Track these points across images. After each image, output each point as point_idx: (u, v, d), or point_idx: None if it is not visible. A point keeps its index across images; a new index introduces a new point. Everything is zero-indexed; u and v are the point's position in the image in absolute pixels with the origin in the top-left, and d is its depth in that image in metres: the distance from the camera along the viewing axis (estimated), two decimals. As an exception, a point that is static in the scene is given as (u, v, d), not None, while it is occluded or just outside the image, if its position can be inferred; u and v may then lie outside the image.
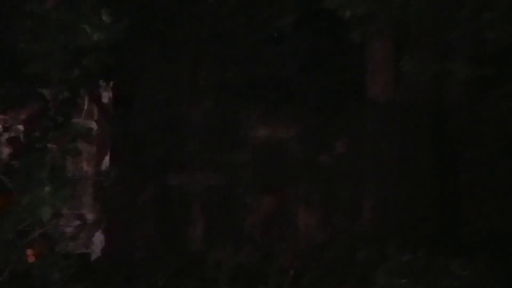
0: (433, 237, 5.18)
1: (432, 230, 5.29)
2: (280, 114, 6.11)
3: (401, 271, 4.58)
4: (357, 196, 5.74)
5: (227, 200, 6.06)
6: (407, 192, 5.48)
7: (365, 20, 3.92)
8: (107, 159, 5.91)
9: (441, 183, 5.42)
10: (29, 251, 4.24)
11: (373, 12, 3.82)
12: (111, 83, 5.73)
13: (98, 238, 5.91)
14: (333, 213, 5.82)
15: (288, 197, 5.97)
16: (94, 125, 5.77)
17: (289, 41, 5.92)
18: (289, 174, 5.98)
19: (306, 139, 5.99)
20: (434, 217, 5.37)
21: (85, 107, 5.55)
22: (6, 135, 5.07)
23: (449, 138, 5.44)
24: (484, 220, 5.13)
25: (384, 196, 5.61)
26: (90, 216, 5.91)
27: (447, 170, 5.40)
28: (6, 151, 4.97)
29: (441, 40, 4.51)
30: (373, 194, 5.64)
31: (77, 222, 5.77)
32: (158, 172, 6.02)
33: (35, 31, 4.03)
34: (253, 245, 5.97)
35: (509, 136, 5.08)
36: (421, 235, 5.20)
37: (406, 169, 5.53)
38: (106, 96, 5.77)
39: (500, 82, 3.94)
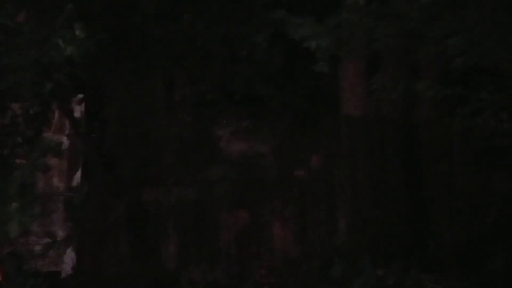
0: (406, 251, 5.21)
1: (404, 244, 5.33)
2: (255, 129, 6.12)
3: (376, 286, 4.59)
4: (332, 211, 5.75)
5: (202, 216, 6.00)
6: (380, 207, 5.53)
7: (331, 51, 4.00)
8: (78, 174, 5.80)
9: (412, 198, 5.50)
10: (-3, 270, 4.10)
11: (339, 42, 3.90)
12: (84, 97, 5.65)
13: (69, 256, 5.77)
14: (308, 228, 5.81)
15: (263, 213, 5.95)
16: (65, 140, 5.67)
17: (264, 58, 5.97)
18: (264, 189, 5.97)
19: (281, 154, 6.00)
20: (406, 231, 5.41)
21: (57, 122, 5.46)
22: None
23: (419, 153, 5.54)
24: (452, 234, 5.21)
25: (358, 210, 5.64)
26: (61, 233, 5.77)
27: (417, 185, 5.48)
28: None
29: (409, 60, 4.62)
30: (347, 208, 5.67)
31: (47, 240, 5.63)
32: (131, 188, 5.93)
33: (6, 45, 3.97)
34: (228, 261, 5.91)
35: (475, 151, 5.20)
36: (394, 249, 5.22)
37: (378, 185, 5.58)
38: (78, 111, 5.68)
39: (466, 101, 4.07)
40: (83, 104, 5.72)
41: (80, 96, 5.58)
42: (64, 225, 5.79)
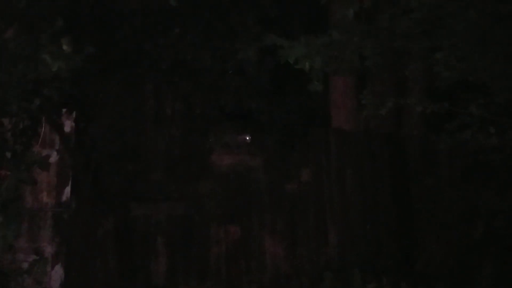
0: (396, 266, 5.22)
1: (394, 259, 5.35)
2: (244, 143, 6.12)
3: (366, 300, 4.58)
4: (322, 225, 5.75)
5: (191, 231, 5.96)
6: (369, 221, 5.55)
7: (324, 70, 4.04)
8: (67, 189, 5.75)
9: (401, 212, 5.53)
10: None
11: (331, 61, 3.95)
12: (73, 112, 5.63)
13: (57, 273, 5.69)
14: (299, 243, 5.80)
15: (253, 227, 5.92)
16: (55, 155, 5.63)
17: (254, 72, 6.01)
18: (254, 203, 5.96)
19: (271, 168, 6.01)
20: (395, 245, 5.43)
21: (46, 137, 5.41)
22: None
23: (407, 168, 5.59)
24: (441, 248, 5.24)
25: (348, 225, 5.65)
26: (49, 250, 5.69)
27: (406, 199, 5.52)
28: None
29: (397, 76, 4.69)
30: (337, 223, 5.68)
31: (34, 256, 5.55)
32: (120, 203, 5.89)
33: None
34: (218, 277, 5.87)
35: (462, 166, 5.26)
36: (384, 264, 5.23)
37: (368, 199, 5.61)
38: (68, 125, 5.65)
39: (454, 116, 4.13)
40: (73, 119, 5.69)
41: (70, 110, 5.55)
42: (52, 241, 5.71)
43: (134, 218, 5.92)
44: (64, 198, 5.73)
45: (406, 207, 5.55)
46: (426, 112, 4.12)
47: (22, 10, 3.88)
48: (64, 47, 3.72)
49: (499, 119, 3.98)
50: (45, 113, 4.72)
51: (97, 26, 5.27)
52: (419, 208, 5.48)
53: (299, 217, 5.87)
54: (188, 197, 5.95)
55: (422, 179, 5.50)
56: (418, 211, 5.49)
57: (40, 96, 4.14)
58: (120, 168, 5.88)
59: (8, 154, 4.53)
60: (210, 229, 5.94)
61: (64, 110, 5.37)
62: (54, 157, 5.60)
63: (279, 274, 5.78)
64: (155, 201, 5.94)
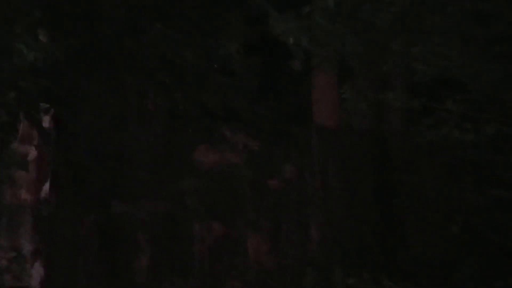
0: (377, 261, 5.25)
1: (375, 254, 5.37)
2: (228, 140, 6.11)
3: (346, 295, 4.60)
4: (305, 221, 5.76)
5: (174, 229, 5.93)
6: (352, 217, 5.57)
7: (307, 51, 4.06)
8: (47, 186, 5.68)
9: (382, 208, 5.55)
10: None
11: (315, 43, 3.96)
12: (52, 107, 5.55)
13: (37, 270, 5.63)
14: (282, 239, 5.80)
15: (237, 224, 5.91)
16: (33, 151, 5.56)
17: (238, 69, 5.99)
18: (237, 200, 5.95)
19: (254, 165, 6.00)
20: (377, 241, 5.46)
21: (25, 132, 5.34)
22: None
23: (389, 164, 5.62)
24: (422, 244, 5.27)
25: (330, 221, 5.66)
26: (28, 247, 5.62)
27: (388, 195, 5.54)
28: None
29: (378, 71, 4.72)
30: (320, 219, 5.69)
31: (13, 254, 5.48)
32: (102, 200, 5.84)
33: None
34: (201, 274, 5.84)
35: (442, 162, 5.30)
36: (365, 259, 5.25)
37: (350, 195, 5.63)
38: (47, 120, 5.57)
39: (432, 112, 4.16)
40: (52, 114, 5.62)
41: (48, 105, 5.48)
42: (32, 239, 5.64)
43: (116, 215, 5.87)
44: (43, 194, 5.67)
45: (389, 203, 5.57)
46: (405, 107, 4.15)
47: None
48: (41, 37, 3.65)
49: (475, 115, 4.02)
50: (22, 108, 4.65)
51: (78, 21, 5.21)
52: (401, 204, 5.51)
53: (282, 213, 5.87)
54: (171, 195, 5.92)
55: (403, 175, 5.53)
56: (400, 207, 5.51)
57: (17, 88, 4.07)
58: (102, 165, 5.82)
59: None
60: (193, 226, 5.92)
61: (42, 105, 5.29)
62: (33, 153, 5.53)
63: (262, 270, 5.77)
64: (138, 198, 5.90)
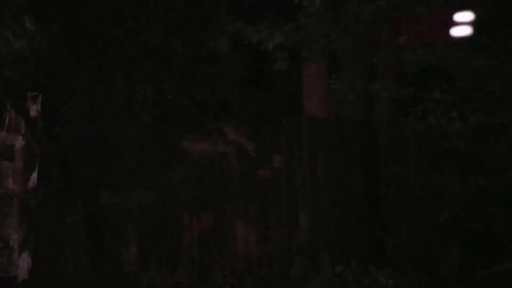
0: (365, 250, 5.31)
1: (363, 243, 5.42)
2: (217, 130, 6.10)
3: (333, 283, 4.65)
4: (294, 211, 5.79)
5: (163, 219, 5.93)
6: (340, 207, 5.61)
7: (290, 50, 4.09)
8: (34, 176, 5.64)
9: (370, 198, 5.60)
10: None
11: (302, 44, 3.99)
12: (40, 96, 5.50)
13: (25, 260, 5.60)
14: (271, 228, 5.83)
15: (226, 214, 5.93)
16: (20, 140, 5.51)
17: (227, 59, 5.97)
18: (227, 190, 5.96)
19: (243, 155, 6.00)
20: (364, 230, 5.51)
21: (11, 121, 5.29)
22: None
23: (377, 154, 5.66)
24: (408, 233, 5.34)
25: (319, 210, 5.70)
26: (15, 237, 5.59)
27: (376, 185, 5.59)
28: None
29: (366, 62, 4.75)
30: (308, 208, 5.72)
31: (0, 244, 5.44)
32: (90, 190, 5.81)
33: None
34: (190, 264, 5.86)
35: (429, 152, 5.35)
36: (353, 248, 5.31)
37: (338, 185, 5.66)
38: (34, 110, 5.52)
39: (420, 101, 4.19)
40: (40, 103, 5.56)
41: (37, 94, 5.43)
42: (19, 229, 5.61)
43: (104, 206, 5.85)
44: (30, 184, 5.63)
45: (376, 192, 5.62)
46: (393, 97, 4.18)
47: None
48: (27, 25, 3.61)
49: (462, 104, 4.06)
50: (9, 97, 4.60)
51: (64, 8, 5.15)
52: (389, 194, 5.56)
53: (271, 203, 5.90)
54: (159, 185, 5.91)
55: (391, 165, 5.58)
56: (388, 197, 5.57)
57: (3, 77, 4.02)
58: (90, 154, 5.79)
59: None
60: (182, 216, 5.92)
61: (29, 94, 5.24)
62: (20, 143, 5.48)
63: (251, 260, 5.80)
64: (126, 188, 5.88)
